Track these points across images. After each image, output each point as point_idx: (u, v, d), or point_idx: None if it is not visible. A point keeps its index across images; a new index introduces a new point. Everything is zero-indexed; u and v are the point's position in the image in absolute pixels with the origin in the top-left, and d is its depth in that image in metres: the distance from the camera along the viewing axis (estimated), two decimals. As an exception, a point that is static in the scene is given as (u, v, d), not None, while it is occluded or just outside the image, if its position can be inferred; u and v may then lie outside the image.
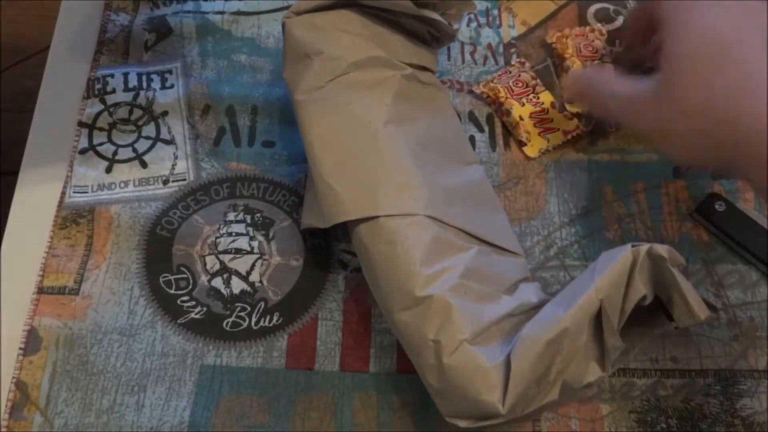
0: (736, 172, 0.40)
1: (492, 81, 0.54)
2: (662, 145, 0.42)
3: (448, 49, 0.56)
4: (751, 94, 0.36)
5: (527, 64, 0.55)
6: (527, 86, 0.53)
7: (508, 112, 0.52)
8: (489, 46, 0.56)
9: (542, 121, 0.52)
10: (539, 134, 0.52)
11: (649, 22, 0.47)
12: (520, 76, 0.54)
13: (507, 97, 0.52)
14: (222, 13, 0.57)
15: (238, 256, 0.48)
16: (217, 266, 0.48)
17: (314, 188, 0.43)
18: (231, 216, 0.49)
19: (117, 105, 0.53)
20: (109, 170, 0.51)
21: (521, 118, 0.52)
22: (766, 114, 0.35)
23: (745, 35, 0.38)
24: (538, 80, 0.54)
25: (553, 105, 0.52)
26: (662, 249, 0.38)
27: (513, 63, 0.55)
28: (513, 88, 0.53)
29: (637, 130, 0.47)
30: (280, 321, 0.46)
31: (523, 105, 0.52)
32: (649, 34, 0.49)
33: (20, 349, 0.45)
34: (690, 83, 0.39)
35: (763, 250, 0.47)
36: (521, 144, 0.52)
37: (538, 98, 0.53)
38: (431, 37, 0.50)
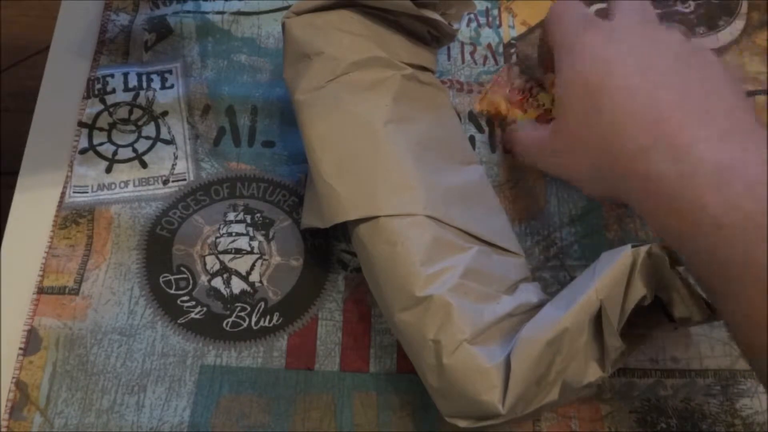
0: (630, 206, 0.41)
1: (486, 95, 0.53)
2: (569, 181, 0.44)
3: (448, 49, 0.56)
4: (624, 132, 0.37)
5: (514, 69, 0.54)
6: (523, 91, 0.53)
7: (515, 123, 0.52)
8: (489, 46, 0.56)
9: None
10: None
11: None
12: (513, 84, 0.53)
13: (509, 108, 0.52)
14: (222, 13, 0.57)
15: (238, 256, 0.48)
16: (217, 266, 0.48)
17: (314, 188, 0.43)
18: (231, 216, 0.49)
19: (117, 105, 0.53)
20: (109, 170, 0.51)
21: None
22: (639, 153, 0.37)
23: (621, 65, 0.39)
24: (532, 82, 0.53)
25: (554, 102, 0.52)
26: (662, 249, 0.38)
27: (500, 71, 0.55)
28: (511, 97, 0.53)
29: (548, 171, 0.48)
30: (280, 321, 0.46)
31: (526, 111, 0.52)
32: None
33: (20, 349, 0.45)
34: (573, 125, 0.41)
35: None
36: None
37: (538, 101, 0.52)
38: (431, 37, 0.50)
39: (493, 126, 0.53)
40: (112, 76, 0.54)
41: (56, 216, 0.49)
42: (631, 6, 0.44)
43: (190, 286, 0.47)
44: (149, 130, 0.52)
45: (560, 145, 0.42)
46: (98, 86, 0.53)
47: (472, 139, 0.52)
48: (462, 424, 0.38)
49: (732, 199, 0.33)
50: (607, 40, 0.41)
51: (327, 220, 0.42)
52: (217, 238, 0.48)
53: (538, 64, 0.53)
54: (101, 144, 0.52)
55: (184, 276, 0.47)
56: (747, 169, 0.33)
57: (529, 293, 0.42)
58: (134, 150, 0.51)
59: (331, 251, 0.48)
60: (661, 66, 0.39)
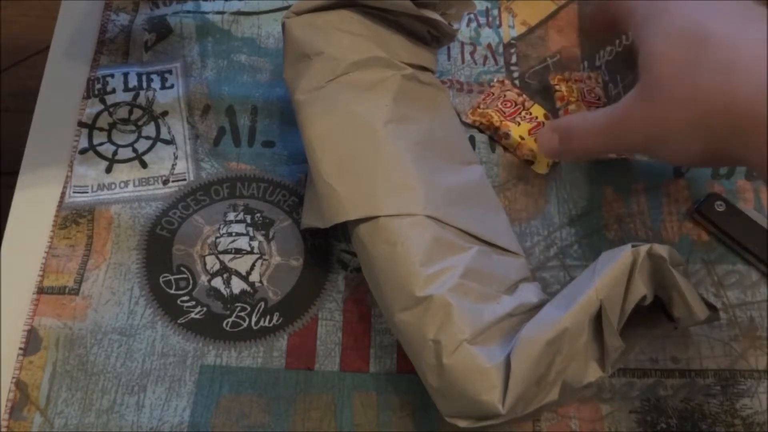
0: (736, 160, 0.39)
1: (479, 107, 0.53)
2: (658, 151, 0.42)
3: (448, 49, 0.56)
4: (737, 78, 0.36)
5: (507, 82, 0.54)
6: (516, 104, 0.52)
7: (507, 135, 0.51)
8: (489, 46, 0.56)
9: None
10: None
11: (609, 24, 0.48)
12: (505, 96, 0.53)
13: (501, 120, 0.51)
14: (222, 13, 0.57)
15: (238, 256, 0.48)
16: (217, 266, 0.48)
17: (314, 188, 0.43)
18: (231, 216, 0.49)
19: (117, 105, 0.53)
20: (109, 170, 0.51)
21: (522, 138, 0.51)
22: (758, 95, 0.35)
23: (720, 20, 0.38)
24: (524, 95, 0.53)
25: (546, 117, 0.52)
26: (662, 249, 0.38)
27: (493, 84, 0.54)
28: (503, 109, 0.52)
29: (630, 147, 0.47)
30: (280, 321, 0.46)
31: (519, 124, 0.51)
32: (607, 35, 0.51)
33: (20, 349, 0.45)
34: (674, 79, 0.39)
35: (763, 250, 0.47)
36: (529, 163, 0.51)
37: (531, 113, 0.52)
38: (431, 37, 0.50)
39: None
40: (112, 76, 0.54)
41: (56, 216, 0.49)
42: None
43: (190, 286, 0.47)
44: (149, 130, 0.52)
45: (649, 108, 0.40)
46: (98, 86, 0.53)
47: (472, 139, 0.52)
48: (462, 424, 0.38)
49: None
50: (683, 11, 0.40)
51: (327, 220, 0.42)
52: (217, 238, 0.48)
53: (590, 32, 0.53)
54: (101, 144, 0.52)
55: (184, 276, 0.47)
56: None
57: (529, 293, 0.42)
58: (134, 150, 0.51)
59: (331, 251, 0.48)
60: (757, 9, 0.38)
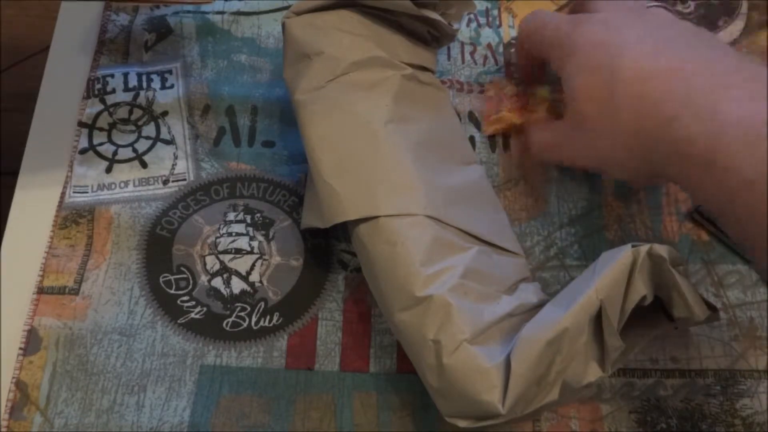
0: (674, 180, 0.40)
1: (491, 119, 0.52)
2: (606, 172, 0.45)
3: (448, 48, 0.56)
4: (648, 110, 0.38)
5: (498, 80, 0.54)
6: (520, 95, 0.53)
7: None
8: (489, 46, 0.56)
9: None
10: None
11: (535, 58, 0.50)
12: (506, 92, 0.53)
13: (518, 117, 0.52)
14: (222, 13, 0.57)
15: (238, 256, 0.48)
16: (217, 266, 0.48)
17: (314, 188, 0.43)
18: (231, 216, 0.49)
19: (117, 105, 0.53)
20: (109, 170, 0.51)
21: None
22: (668, 127, 0.37)
23: (632, 52, 0.40)
24: (521, 83, 0.53)
25: (555, 91, 0.52)
26: (662, 249, 0.38)
27: (486, 89, 0.54)
28: (513, 105, 0.52)
29: (582, 168, 0.48)
30: (280, 321, 0.46)
31: (535, 111, 0.52)
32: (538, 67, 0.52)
33: (20, 349, 0.45)
34: (595, 114, 0.41)
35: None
36: None
37: (536, 96, 0.52)
38: (431, 37, 0.50)
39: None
40: (112, 76, 0.54)
41: (56, 216, 0.49)
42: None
43: (190, 286, 0.47)
44: (149, 130, 0.52)
45: (584, 137, 0.43)
46: (98, 86, 0.53)
47: (472, 138, 0.52)
48: (462, 424, 0.38)
49: (763, 156, 0.33)
50: (605, 28, 0.42)
51: (327, 220, 0.42)
52: (217, 238, 0.48)
53: (522, 80, 0.53)
54: (101, 144, 0.52)
55: (184, 276, 0.47)
56: None
57: (529, 293, 0.42)
58: (134, 150, 0.51)
59: (331, 251, 0.48)
60: (667, 39, 0.40)
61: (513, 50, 0.55)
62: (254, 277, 0.47)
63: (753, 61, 0.39)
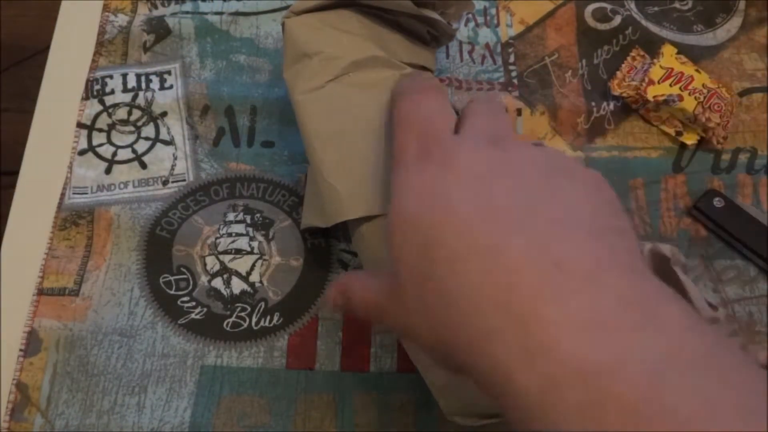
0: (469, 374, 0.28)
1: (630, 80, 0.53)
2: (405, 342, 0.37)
3: (447, 47, 0.56)
4: (462, 308, 0.27)
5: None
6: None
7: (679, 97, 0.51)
8: (487, 45, 0.56)
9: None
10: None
11: None
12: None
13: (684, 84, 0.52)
14: (220, 13, 0.57)
15: (238, 256, 0.48)
16: (217, 267, 0.48)
17: (315, 187, 0.43)
18: (231, 216, 0.49)
19: (116, 106, 0.53)
20: (108, 171, 0.51)
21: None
22: (484, 338, 0.26)
23: (449, 222, 0.28)
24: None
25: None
26: (665, 248, 0.38)
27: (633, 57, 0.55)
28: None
29: (395, 334, 0.40)
30: (280, 321, 0.46)
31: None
32: None
33: (20, 350, 0.45)
34: (403, 281, 0.30)
35: (761, 245, 0.47)
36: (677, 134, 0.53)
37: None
38: (430, 36, 0.50)
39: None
40: (111, 76, 0.54)
41: (56, 217, 0.49)
42: (478, 119, 0.34)
43: (191, 287, 0.47)
44: (148, 130, 0.52)
45: (398, 306, 0.31)
46: (97, 87, 0.53)
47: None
48: (465, 422, 0.38)
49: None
50: (443, 172, 0.30)
51: (328, 219, 0.42)
52: (217, 238, 0.48)
53: None
54: (100, 145, 0.52)
55: (184, 276, 0.47)
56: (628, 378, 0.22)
57: None
58: (133, 151, 0.52)
59: (331, 251, 0.48)
60: (509, 203, 0.28)
61: (511, 50, 0.55)
62: (254, 277, 0.47)
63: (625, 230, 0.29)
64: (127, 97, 0.53)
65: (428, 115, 0.34)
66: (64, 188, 0.50)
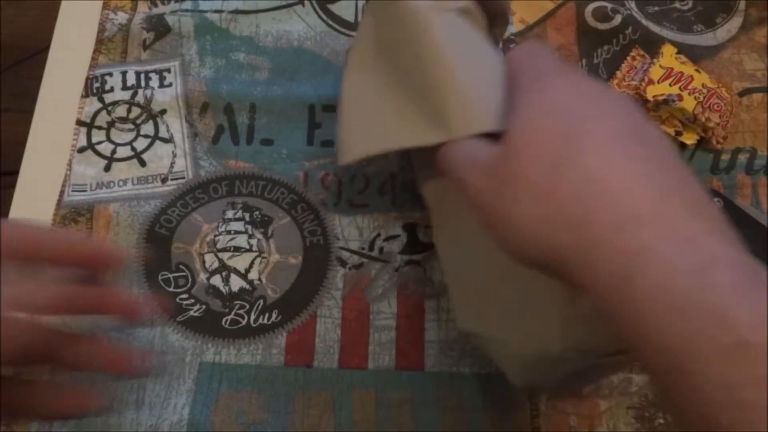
0: (569, 280, 0.32)
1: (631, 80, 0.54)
2: (497, 231, 0.34)
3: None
4: (593, 215, 0.30)
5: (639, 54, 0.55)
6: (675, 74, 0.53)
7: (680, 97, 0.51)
8: (487, 43, 0.56)
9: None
10: None
11: None
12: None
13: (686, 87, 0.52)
14: (220, 11, 0.57)
15: (236, 254, 0.48)
16: (216, 264, 0.48)
17: (364, 112, 0.41)
18: (230, 214, 0.49)
19: (115, 103, 0.53)
20: (107, 169, 0.51)
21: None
22: (608, 242, 0.29)
23: (592, 147, 0.32)
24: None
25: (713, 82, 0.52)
26: None
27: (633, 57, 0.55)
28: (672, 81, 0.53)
29: (477, 211, 0.36)
30: (278, 318, 0.46)
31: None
32: None
33: (19, 347, 0.45)
34: (531, 183, 0.32)
35: (761, 245, 0.47)
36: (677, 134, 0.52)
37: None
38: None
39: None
40: (111, 74, 0.54)
41: (55, 214, 0.49)
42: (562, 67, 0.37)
43: (189, 284, 0.47)
44: (148, 128, 0.52)
45: (510, 189, 0.33)
46: (96, 85, 0.53)
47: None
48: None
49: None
50: (577, 95, 0.34)
51: (450, 131, 0.37)
52: (215, 236, 0.49)
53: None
54: (100, 142, 0.52)
55: (183, 274, 0.47)
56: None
57: None
58: (133, 148, 0.52)
59: (329, 249, 0.48)
60: (631, 136, 0.32)
61: (513, 45, 0.55)
62: (253, 274, 0.47)
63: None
64: (126, 95, 0.53)
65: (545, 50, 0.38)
66: (64, 185, 0.50)
